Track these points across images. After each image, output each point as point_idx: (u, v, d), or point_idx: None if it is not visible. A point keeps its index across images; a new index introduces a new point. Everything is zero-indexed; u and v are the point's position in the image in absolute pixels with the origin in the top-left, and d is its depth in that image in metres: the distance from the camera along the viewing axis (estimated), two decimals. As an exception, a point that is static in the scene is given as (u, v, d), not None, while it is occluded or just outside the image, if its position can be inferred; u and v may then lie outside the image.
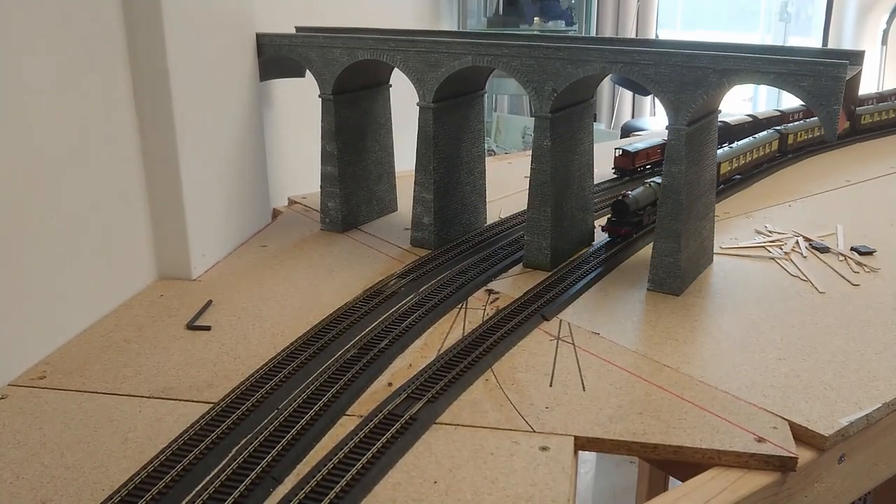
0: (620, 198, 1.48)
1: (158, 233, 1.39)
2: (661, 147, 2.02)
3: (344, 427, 0.94)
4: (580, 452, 0.92)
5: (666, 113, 1.25)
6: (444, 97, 1.47)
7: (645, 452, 0.92)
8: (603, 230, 1.52)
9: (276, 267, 1.46)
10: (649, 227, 1.52)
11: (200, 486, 0.83)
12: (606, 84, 5.61)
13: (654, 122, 4.62)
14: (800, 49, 1.31)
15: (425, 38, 1.46)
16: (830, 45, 4.99)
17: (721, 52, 1.20)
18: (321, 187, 1.63)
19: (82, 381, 1.06)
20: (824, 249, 1.50)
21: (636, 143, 2.07)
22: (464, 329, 1.19)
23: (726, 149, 1.87)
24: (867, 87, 4.57)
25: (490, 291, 1.32)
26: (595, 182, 1.60)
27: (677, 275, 1.30)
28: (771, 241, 1.55)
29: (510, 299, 1.27)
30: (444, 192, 1.53)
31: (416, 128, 1.49)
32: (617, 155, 2.00)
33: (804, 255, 1.48)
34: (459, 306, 1.27)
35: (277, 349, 1.13)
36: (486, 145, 1.66)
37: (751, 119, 2.28)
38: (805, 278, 1.37)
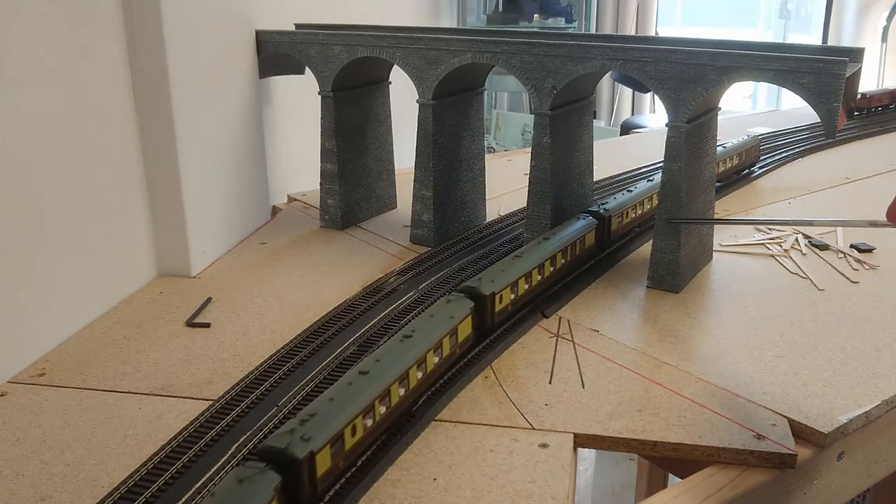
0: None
1: (158, 230, 1.39)
2: (890, 94, 2.66)
3: (343, 424, 0.94)
4: (580, 450, 0.93)
5: (665, 110, 1.25)
6: (444, 94, 1.47)
7: (644, 449, 0.92)
8: None
9: (276, 264, 1.46)
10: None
11: (200, 482, 0.83)
12: (606, 81, 5.61)
13: (654, 119, 4.63)
14: (800, 46, 1.31)
15: (425, 35, 1.46)
16: (830, 43, 4.99)
17: (721, 49, 1.20)
18: (321, 184, 1.63)
19: (82, 378, 1.06)
20: (824, 247, 1.50)
21: (871, 90, 2.71)
22: (463, 326, 1.18)
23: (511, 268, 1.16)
24: (867, 84, 4.57)
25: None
26: (595, 179, 1.60)
27: (676, 272, 1.30)
28: (770, 239, 1.55)
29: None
30: (444, 190, 1.53)
31: (416, 125, 1.49)
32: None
33: (803, 252, 1.49)
34: (459, 303, 1.26)
35: (277, 346, 1.13)
36: (485, 142, 1.66)
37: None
38: (804, 276, 1.38)
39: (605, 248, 1.41)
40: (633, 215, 1.48)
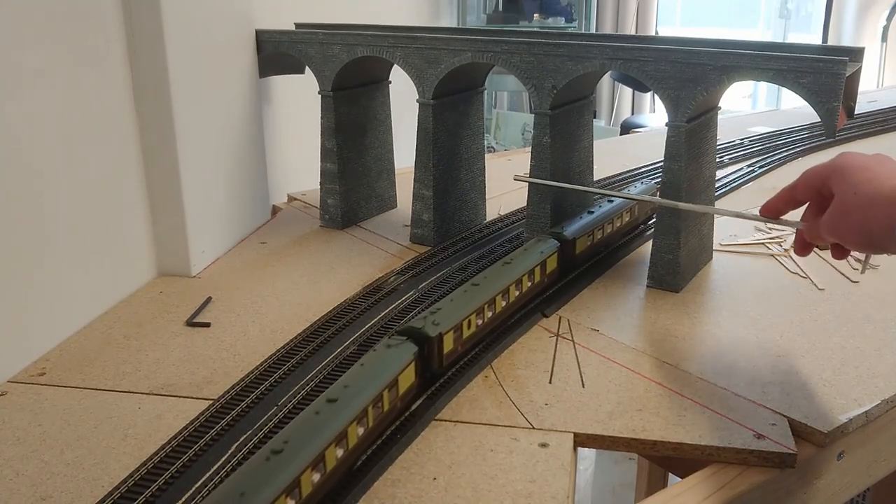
0: None
1: (158, 229, 1.39)
2: None
3: (343, 424, 0.94)
4: (579, 449, 0.93)
5: (665, 109, 1.25)
6: (444, 94, 1.47)
7: (644, 449, 0.92)
8: None
9: (276, 264, 1.46)
10: None
11: (200, 482, 0.83)
12: (606, 80, 5.61)
13: (654, 118, 4.63)
14: (799, 46, 1.31)
15: (425, 34, 1.46)
16: (830, 42, 4.99)
17: (721, 48, 1.20)
18: (321, 184, 1.63)
19: (82, 377, 1.06)
20: (824, 246, 1.50)
21: None
22: (463, 326, 1.18)
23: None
24: (867, 83, 4.57)
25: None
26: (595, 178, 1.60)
27: (677, 272, 1.30)
28: (770, 238, 1.55)
29: (510, 296, 1.27)
30: (444, 189, 1.53)
31: (416, 125, 1.49)
32: None
33: (803, 251, 1.48)
34: (459, 303, 1.26)
35: (277, 346, 1.13)
36: (485, 142, 1.66)
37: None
38: (804, 275, 1.38)
39: (435, 380, 0.98)
40: (479, 325, 1.04)
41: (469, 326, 1.02)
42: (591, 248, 1.34)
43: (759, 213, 1.06)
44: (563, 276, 1.29)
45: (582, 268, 1.34)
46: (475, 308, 1.03)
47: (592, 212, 1.37)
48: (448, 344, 0.97)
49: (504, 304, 1.10)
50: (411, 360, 0.91)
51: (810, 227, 1.00)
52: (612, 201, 1.42)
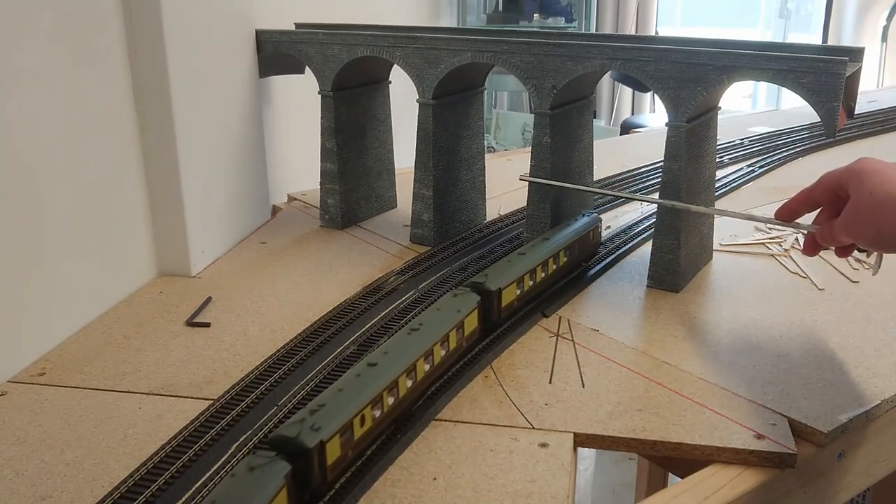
0: None
1: (158, 229, 1.39)
2: None
3: (343, 424, 0.94)
4: (579, 449, 0.93)
5: (665, 109, 1.25)
6: (444, 94, 1.47)
7: (644, 449, 0.92)
8: None
9: (276, 264, 1.46)
10: None
11: (200, 482, 0.83)
12: (606, 80, 5.61)
13: (654, 118, 4.63)
14: (799, 46, 1.31)
15: (425, 34, 1.46)
16: (830, 42, 5.00)
17: (721, 48, 1.20)
18: (321, 184, 1.63)
19: (82, 377, 1.06)
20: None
21: None
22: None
23: None
24: (867, 83, 4.58)
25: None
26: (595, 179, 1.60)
27: (677, 272, 1.30)
28: (770, 238, 1.55)
29: (510, 296, 1.27)
30: (444, 189, 1.53)
31: (416, 125, 1.49)
32: None
33: (804, 251, 1.48)
34: (459, 303, 1.26)
35: (277, 346, 1.13)
36: (485, 142, 1.66)
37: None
38: (804, 275, 1.38)
39: (316, 499, 0.76)
40: (376, 417, 0.83)
41: (363, 423, 0.80)
42: (522, 298, 1.14)
43: (774, 217, 1.08)
44: (487, 334, 1.09)
45: (509, 322, 1.14)
46: (371, 398, 0.81)
47: (524, 254, 1.18)
48: (333, 452, 0.75)
49: (410, 384, 0.88)
50: (282, 485, 0.68)
51: (823, 229, 1.02)
52: (547, 238, 1.25)
